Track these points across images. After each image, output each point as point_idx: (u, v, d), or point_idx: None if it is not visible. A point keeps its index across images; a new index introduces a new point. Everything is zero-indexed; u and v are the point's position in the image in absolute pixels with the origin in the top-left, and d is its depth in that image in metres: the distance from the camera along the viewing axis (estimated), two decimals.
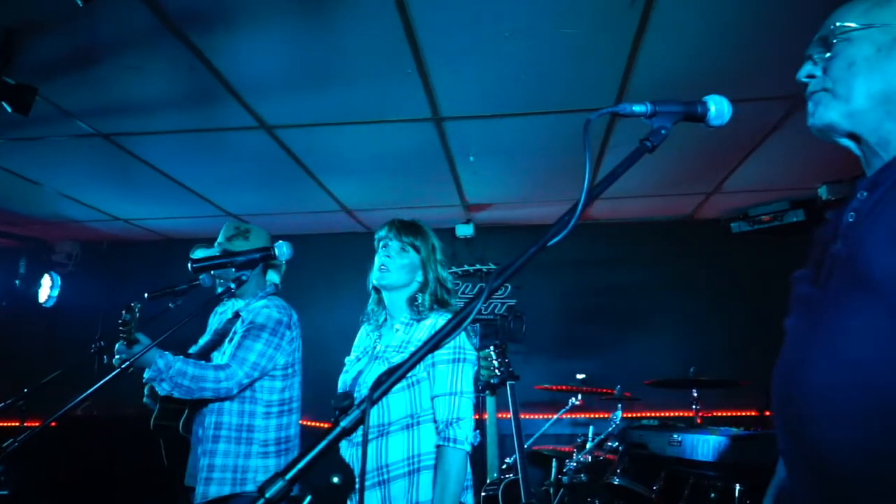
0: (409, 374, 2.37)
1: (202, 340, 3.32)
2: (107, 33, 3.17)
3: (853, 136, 1.36)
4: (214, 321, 3.42)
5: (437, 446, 2.40)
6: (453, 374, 2.43)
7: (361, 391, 2.51)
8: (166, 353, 2.80)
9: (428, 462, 2.41)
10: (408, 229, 2.65)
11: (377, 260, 2.63)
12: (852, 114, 1.31)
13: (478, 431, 2.46)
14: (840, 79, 1.32)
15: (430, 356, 2.40)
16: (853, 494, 1.16)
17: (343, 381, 2.64)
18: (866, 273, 1.17)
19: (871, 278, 1.15)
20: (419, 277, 2.64)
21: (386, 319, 2.71)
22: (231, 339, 3.13)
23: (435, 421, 2.43)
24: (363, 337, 2.78)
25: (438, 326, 2.38)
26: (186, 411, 3.07)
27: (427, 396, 2.45)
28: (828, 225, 1.41)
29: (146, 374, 2.75)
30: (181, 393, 2.81)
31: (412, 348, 2.46)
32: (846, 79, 1.31)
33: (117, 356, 2.67)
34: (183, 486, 3.14)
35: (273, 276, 3.42)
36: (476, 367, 2.58)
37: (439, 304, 2.63)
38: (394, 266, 2.59)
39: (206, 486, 2.95)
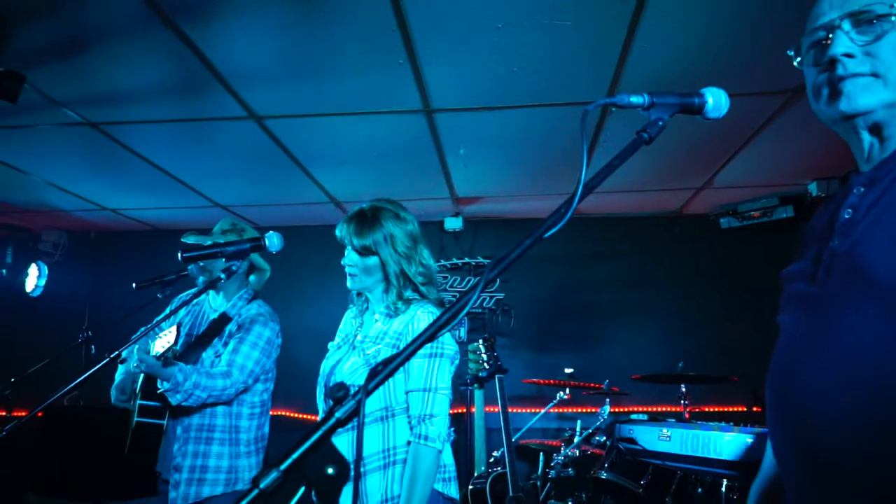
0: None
1: (181, 332, 3.29)
2: (95, 20, 3.14)
3: (875, 127, 1.30)
4: (187, 315, 3.40)
5: (408, 442, 2.35)
6: (429, 369, 2.38)
7: (336, 381, 2.47)
8: (181, 363, 2.84)
9: (403, 456, 2.36)
10: (360, 230, 2.55)
11: (344, 260, 2.59)
12: (894, 104, 1.25)
13: (452, 429, 2.42)
14: (892, 65, 1.24)
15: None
16: (860, 502, 1.12)
17: (322, 368, 2.61)
18: (869, 274, 1.14)
19: (875, 280, 1.13)
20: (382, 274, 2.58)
21: (368, 306, 2.68)
22: (225, 343, 3.16)
23: (409, 416, 2.39)
24: (348, 321, 2.75)
25: (417, 318, 2.45)
26: (168, 410, 3.09)
27: (402, 390, 2.41)
28: (819, 220, 1.38)
29: (163, 386, 2.79)
30: (191, 402, 2.88)
31: (388, 340, 2.46)
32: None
33: (137, 360, 2.68)
34: (156, 471, 3.20)
35: (255, 282, 3.43)
36: (455, 363, 2.52)
37: (417, 293, 2.55)
38: (358, 272, 2.55)
39: (199, 486, 3.01)
